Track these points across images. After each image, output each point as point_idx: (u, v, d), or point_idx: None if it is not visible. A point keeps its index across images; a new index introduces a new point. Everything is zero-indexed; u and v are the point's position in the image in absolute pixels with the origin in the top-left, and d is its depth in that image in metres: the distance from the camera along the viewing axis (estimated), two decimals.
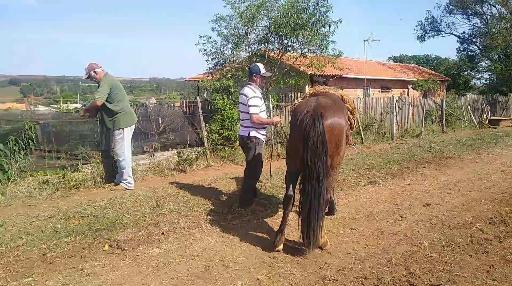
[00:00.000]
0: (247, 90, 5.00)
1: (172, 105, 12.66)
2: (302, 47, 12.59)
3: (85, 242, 4.07)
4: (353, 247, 3.99)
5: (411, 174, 7.43)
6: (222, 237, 4.24)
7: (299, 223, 3.74)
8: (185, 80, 27.08)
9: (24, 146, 6.55)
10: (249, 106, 4.90)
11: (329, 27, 11.91)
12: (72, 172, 6.44)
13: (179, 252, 3.84)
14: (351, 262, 3.64)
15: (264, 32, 12.27)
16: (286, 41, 12.44)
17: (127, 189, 6.02)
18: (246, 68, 10.53)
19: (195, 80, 21.84)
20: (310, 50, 12.58)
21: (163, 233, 4.28)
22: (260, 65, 5.17)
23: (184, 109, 11.14)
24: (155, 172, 7.30)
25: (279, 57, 12.86)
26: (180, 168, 7.63)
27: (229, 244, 4.04)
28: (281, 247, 3.86)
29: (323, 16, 11.65)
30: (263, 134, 5.18)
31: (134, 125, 6.20)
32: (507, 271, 3.43)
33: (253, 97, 4.93)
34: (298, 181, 3.88)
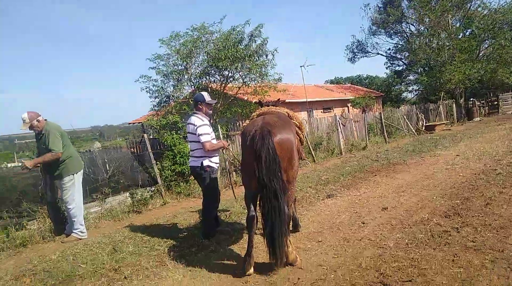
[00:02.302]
0: (193, 119, 4.91)
1: (119, 147, 12.24)
2: (243, 76, 12.89)
3: None
4: (323, 258, 3.99)
5: (364, 183, 7.68)
6: (190, 271, 4.03)
7: (264, 243, 3.67)
8: (130, 124, 26.45)
9: None
10: (199, 135, 4.80)
11: (266, 56, 12.37)
12: (16, 231, 5.91)
13: None
14: (324, 273, 3.62)
15: (204, 65, 12.43)
16: (226, 73, 12.67)
17: (80, 238, 5.60)
18: (191, 102, 10.53)
19: (139, 122, 21.39)
20: (251, 78, 12.89)
21: (125, 277, 3.99)
22: (204, 93, 5.16)
23: (132, 149, 10.77)
24: (109, 218, 6.90)
25: (221, 88, 13.02)
26: (135, 209, 7.29)
27: (198, 277, 3.85)
28: (251, 270, 3.74)
29: (259, 47, 12.07)
30: (216, 162, 5.09)
31: (82, 170, 5.88)
32: (470, 257, 3.59)
33: (202, 126, 4.85)
34: (259, 201, 3.83)
